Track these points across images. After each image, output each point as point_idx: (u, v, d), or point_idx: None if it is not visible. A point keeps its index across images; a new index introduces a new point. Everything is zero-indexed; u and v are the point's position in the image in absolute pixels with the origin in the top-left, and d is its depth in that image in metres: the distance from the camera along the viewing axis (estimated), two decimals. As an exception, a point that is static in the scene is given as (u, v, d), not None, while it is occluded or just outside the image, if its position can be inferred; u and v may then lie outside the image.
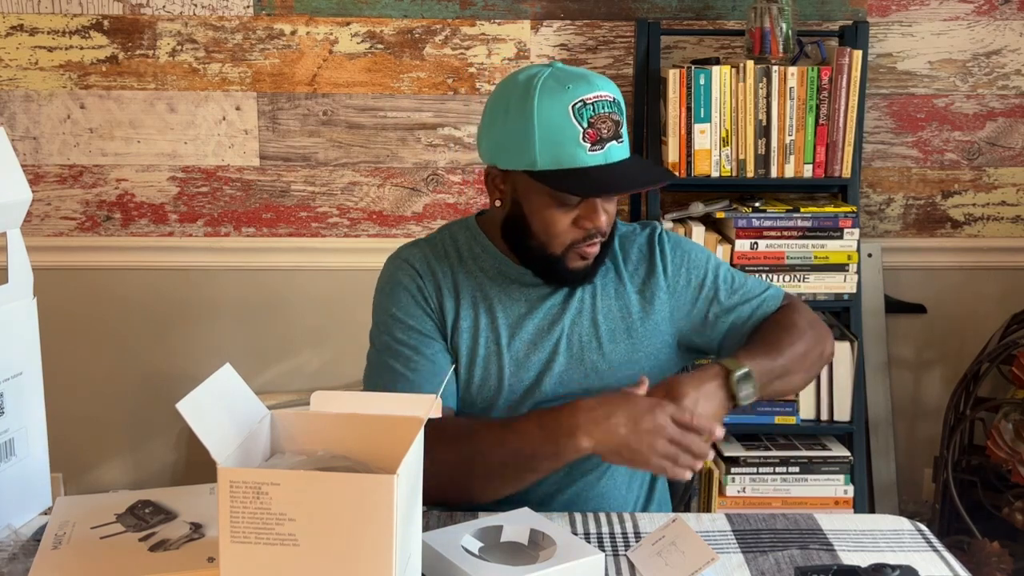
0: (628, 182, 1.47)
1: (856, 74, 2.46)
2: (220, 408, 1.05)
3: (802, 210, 2.49)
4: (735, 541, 1.34)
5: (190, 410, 1.00)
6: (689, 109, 2.46)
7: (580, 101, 1.41)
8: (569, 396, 1.54)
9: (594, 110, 1.41)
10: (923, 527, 1.39)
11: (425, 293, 1.57)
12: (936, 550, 1.32)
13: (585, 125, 1.41)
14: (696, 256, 1.62)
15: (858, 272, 2.51)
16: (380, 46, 2.67)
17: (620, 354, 1.56)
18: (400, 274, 1.59)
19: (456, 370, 1.55)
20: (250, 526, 0.97)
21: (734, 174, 2.50)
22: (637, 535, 1.35)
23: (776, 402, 2.51)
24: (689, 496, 2.40)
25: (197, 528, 1.25)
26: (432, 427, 1.14)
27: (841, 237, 2.49)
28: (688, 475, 1.36)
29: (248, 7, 2.64)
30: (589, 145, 1.41)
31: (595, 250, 1.50)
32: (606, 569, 1.25)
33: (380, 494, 0.96)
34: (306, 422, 1.14)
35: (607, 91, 1.44)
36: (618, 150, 1.44)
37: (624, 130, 1.45)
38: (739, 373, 1.42)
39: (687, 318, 1.60)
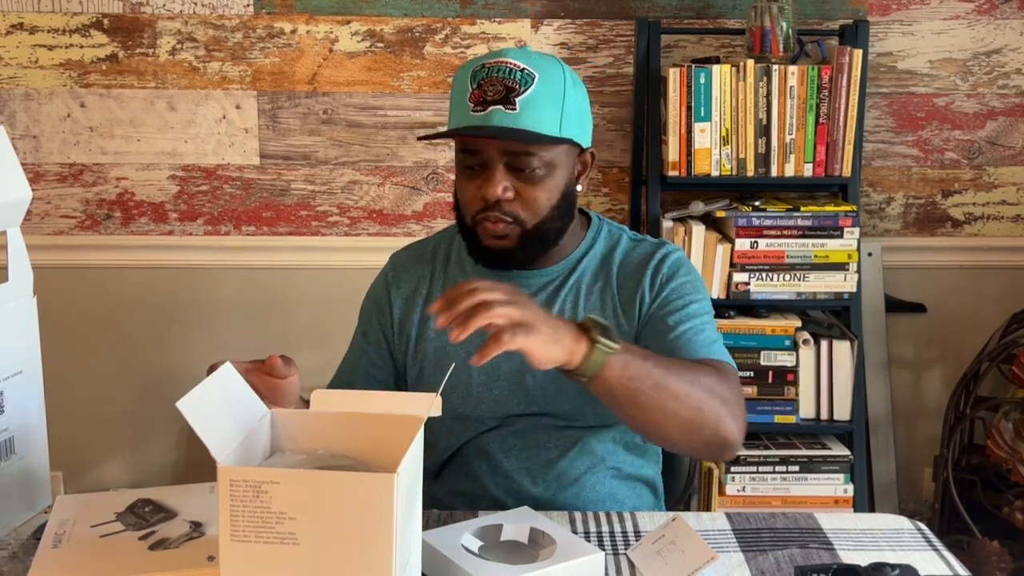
0: (469, 132, 1.42)
1: (856, 73, 2.46)
2: (220, 407, 1.05)
3: (802, 209, 2.49)
4: (735, 540, 1.34)
5: (190, 409, 1.00)
6: (689, 108, 2.46)
7: (480, 65, 1.44)
8: (550, 412, 1.52)
9: (487, 73, 1.42)
10: (923, 526, 1.39)
11: (386, 303, 1.61)
12: (936, 549, 1.32)
13: (474, 86, 1.42)
14: (683, 286, 1.52)
15: (858, 271, 2.51)
16: (380, 45, 2.67)
17: None
18: (378, 279, 1.66)
19: (423, 375, 1.56)
20: (250, 525, 0.97)
21: (734, 173, 2.50)
22: (637, 534, 1.35)
23: (775, 401, 2.51)
24: (689, 495, 2.40)
25: (197, 527, 1.25)
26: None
27: (841, 236, 2.49)
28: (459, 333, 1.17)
29: (248, 6, 2.64)
30: (472, 105, 1.41)
31: (500, 228, 1.45)
32: (606, 568, 1.25)
33: (380, 493, 0.96)
34: (306, 421, 1.14)
35: (517, 61, 1.42)
36: (502, 115, 1.39)
37: (523, 100, 1.40)
38: (602, 341, 1.23)
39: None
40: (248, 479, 0.96)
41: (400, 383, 1.62)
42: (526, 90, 1.40)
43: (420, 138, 1.50)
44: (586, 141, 1.51)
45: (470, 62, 1.47)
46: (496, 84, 1.40)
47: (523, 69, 1.41)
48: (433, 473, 1.62)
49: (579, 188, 1.52)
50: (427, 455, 1.59)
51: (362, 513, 0.96)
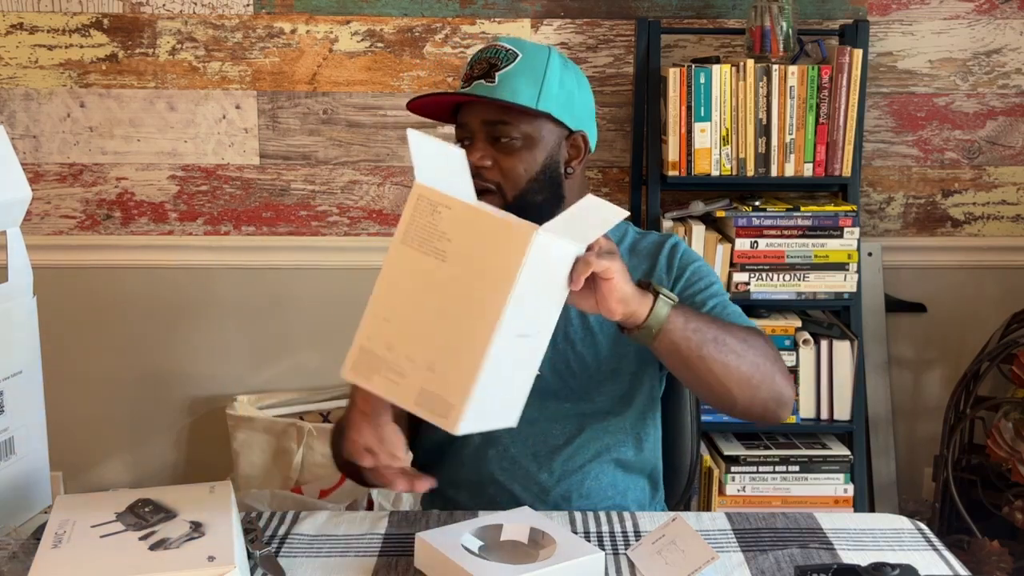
0: (447, 95, 1.52)
1: (856, 73, 2.46)
2: (442, 152, 1.13)
3: (802, 209, 2.49)
4: (735, 540, 1.34)
5: (417, 135, 1.11)
6: (689, 108, 2.46)
7: (479, 51, 1.55)
8: (560, 394, 1.53)
9: (479, 56, 1.53)
10: (923, 526, 1.39)
11: None
12: (936, 549, 1.32)
13: (467, 69, 1.53)
14: (701, 268, 1.57)
15: (858, 271, 2.51)
16: (380, 44, 2.67)
17: (606, 348, 1.54)
18: None
19: None
20: (419, 235, 1.13)
21: (734, 173, 2.50)
22: (637, 534, 1.35)
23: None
24: (689, 495, 2.40)
25: (197, 527, 1.25)
26: None
27: (841, 236, 2.49)
28: None
29: (248, 5, 2.64)
30: (462, 83, 1.53)
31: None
32: (606, 568, 1.25)
33: (517, 240, 1.08)
34: None
35: (507, 44, 1.52)
36: (482, 87, 1.48)
37: (502, 74, 1.48)
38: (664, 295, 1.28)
39: None
40: (432, 198, 1.14)
41: None
42: (507, 66, 1.49)
43: (409, 104, 1.55)
44: (573, 123, 1.54)
45: None
46: (483, 63, 1.51)
47: (508, 50, 1.51)
48: (438, 457, 1.61)
49: (570, 171, 1.55)
50: (433, 439, 1.59)
51: (498, 254, 1.09)
